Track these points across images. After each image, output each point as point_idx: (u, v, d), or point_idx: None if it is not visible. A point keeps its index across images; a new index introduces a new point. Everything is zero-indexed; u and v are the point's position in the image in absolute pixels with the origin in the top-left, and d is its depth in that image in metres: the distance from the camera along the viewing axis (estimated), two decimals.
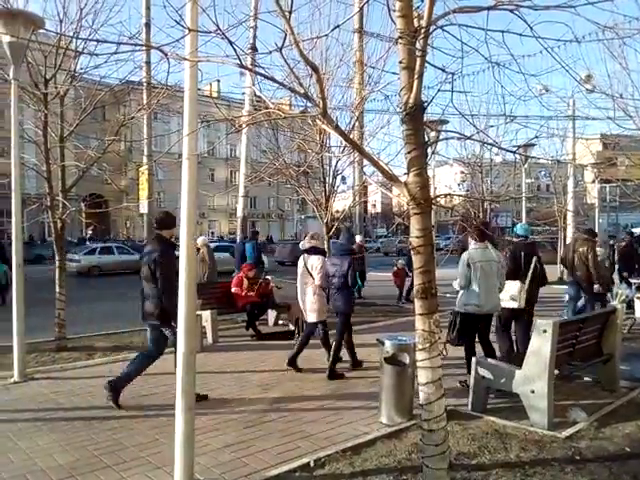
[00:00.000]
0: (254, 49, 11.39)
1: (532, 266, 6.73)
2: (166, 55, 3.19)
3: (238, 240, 15.15)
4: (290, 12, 2.90)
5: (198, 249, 11.94)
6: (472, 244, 6.41)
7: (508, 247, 7.76)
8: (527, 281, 6.66)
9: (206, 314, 8.57)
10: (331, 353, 6.65)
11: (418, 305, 3.29)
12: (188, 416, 3.45)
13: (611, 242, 17.92)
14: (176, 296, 3.52)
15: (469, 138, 4.42)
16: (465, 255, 6.24)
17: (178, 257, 3.59)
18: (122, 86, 9.07)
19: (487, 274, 6.09)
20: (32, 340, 7.67)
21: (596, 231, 9.83)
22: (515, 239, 7.31)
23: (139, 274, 5.65)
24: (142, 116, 11.50)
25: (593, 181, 19.88)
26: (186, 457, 3.44)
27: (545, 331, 4.82)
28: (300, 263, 6.87)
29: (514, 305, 6.58)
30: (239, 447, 4.41)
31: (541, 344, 4.84)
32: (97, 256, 23.54)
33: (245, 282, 9.33)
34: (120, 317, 10.14)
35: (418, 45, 3.12)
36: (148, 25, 15.26)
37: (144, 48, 11.88)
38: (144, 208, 17.16)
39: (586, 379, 6.31)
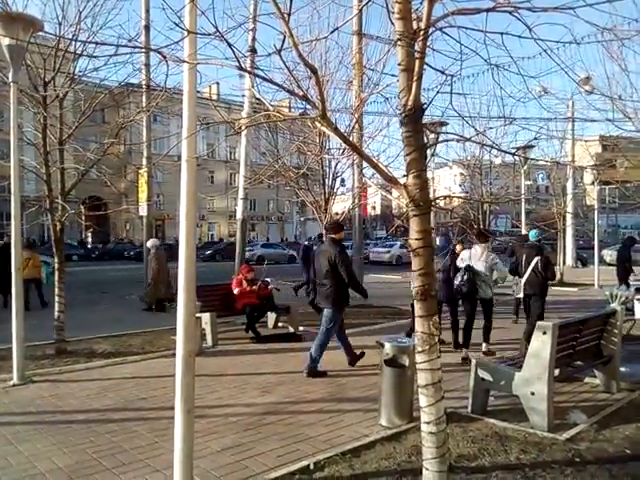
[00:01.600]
0: (253, 51, 11.38)
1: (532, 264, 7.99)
2: (165, 57, 3.19)
3: (306, 243, 16.33)
4: (289, 14, 2.90)
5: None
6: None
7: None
8: (525, 276, 8.10)
9: (205, 316, 8.56)
10: (462, 334, 7.80)
11: (417, 307, 3.28)
12: (187, 419, 3.43)
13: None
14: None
15: (468, 140, 4.42)
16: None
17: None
18: (121, 89, 9.06)
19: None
20: (32, 343, 7.66)
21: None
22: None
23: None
24: (141, 119, 11.52)
25: (592, 183, 19.87)
26: (185, 460, 3.43)
27: (545, 333, 4.82)
28: None
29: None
30: (238, 450, 4.41)
31: (541, 346, 4.83)
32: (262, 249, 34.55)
33: (244, 284, 9.32)
34: None
35: (417, 47, 3.12)
36: (147, 28, 15.26)
37: (143, 50, 11.92)
38: (143, 211, 17.14)
39: (586, 381, 6.30)
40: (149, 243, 13.51)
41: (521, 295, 8.57)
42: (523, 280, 8.17)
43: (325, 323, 6.87)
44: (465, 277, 7.60)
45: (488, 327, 7.98)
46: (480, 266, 7.73)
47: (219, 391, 6.12)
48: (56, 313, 7.88)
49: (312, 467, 3.97)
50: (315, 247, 13.10)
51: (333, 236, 7.05)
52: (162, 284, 12.51)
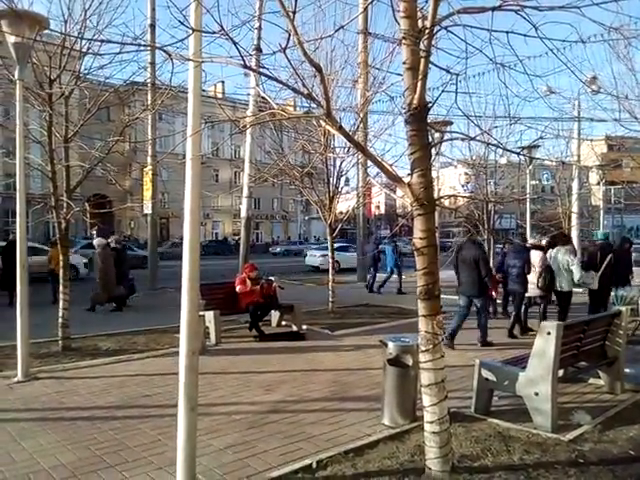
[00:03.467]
0: (258, 50, 11.39)
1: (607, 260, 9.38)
2: (170, 56, 3.20)
3: (376, 243, 17.16)
4: (294, 12, 2.90)
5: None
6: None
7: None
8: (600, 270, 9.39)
9: (209, 315, 8.57)
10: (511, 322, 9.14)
11: (421, 306, 3.28)
12: (190, 417, 3.44)
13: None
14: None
15: (473, 139, 4.41)
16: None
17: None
18: (127, 87, 9.08)
19: None
20: (36, 340, 7.70)
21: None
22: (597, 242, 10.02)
23: None
24: (146, 117, 11.54)
25: (598, 183, 19.80)
26: (188, 458, 3.44)
27: (549, 333, 4.80)
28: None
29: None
30: (241, 448, 4.41)
31: (545, 346, 4.81)
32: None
33: (248, 282, 9.33)
34: None
35: (422, 46, 3.12)
36: (153, 26, 15.31)
37: (148, 49, 11.94)
38: (148, 208, 17.20)
39: (590, 382, 6.27)
40: (95, 242, 13.05)
41: (596, 286, 9.57)
42: (599, 274, 9.46)
43: (481, 309, 8.49)
44: (544, 275, 8.88)
45: (562, 319, 8.66)
46: (562, 265, 9.00)
47: (222, 389, 6.13)
48: (61, 310, 7.90)
49: (315, 466, 3.96)
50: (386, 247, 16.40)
51: (474, 238, 9.29)
52: (110, 283, 12.17)
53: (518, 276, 9.08)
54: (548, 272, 8.92)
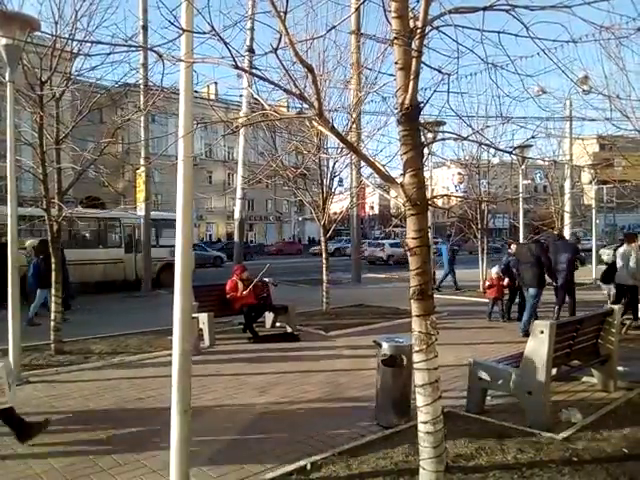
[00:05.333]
0: (251, 50, 11.38)
1: None
2: (161, 56, 3.18)
3: (448, 243, 17.39)
4: (285, 13, 2.89)
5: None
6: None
7: None
8: None
9: (203, 317, 8.54)
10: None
11: (414, 306, 3.27)
12: (184, 419, 3.42)
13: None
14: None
15: (465, 139, 4.41)
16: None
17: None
18: (119, 88, 9.04)
19: None
20: (28, 343, 7.64)
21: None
22: None
23: None
24: (139, 118, 11.49)
25: (590, 182, 19.89)
26: (182, 460, 3.42)
27: (542, 332, 4.81)
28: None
29: None
30: (235, 450, 4.40)
31: (538, 345, 4.83)
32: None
33: (240, 285, 9.28)
34: None
35: (414, 46, 3.11)
36: (145, 27, 15.25)
37: (139, 50, 11.89)
38: (141, 211, 17.13)
39: (584, 380, 6.30)
40: (27, 243, 12.60)
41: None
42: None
43: (532, 298, 9.23)
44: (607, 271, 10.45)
45: (635, 308, 9.86)
46: (628, 262, 9.86)
47: (216, 391, 6.11)
48: (52, 313, 7.86)
49: (309, 467, 3.96)
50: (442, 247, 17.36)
51: (537, 238, 11.18)
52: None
53: (564, 271, 10.02)
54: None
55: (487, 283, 11.89)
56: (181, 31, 3.04)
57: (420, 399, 3.30)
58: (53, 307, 7.85)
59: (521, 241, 14.26)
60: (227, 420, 5.15)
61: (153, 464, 4.10)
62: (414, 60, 3.10)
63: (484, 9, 3.02)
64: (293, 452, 4.33)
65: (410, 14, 3.17)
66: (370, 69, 9.30)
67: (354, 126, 10.21)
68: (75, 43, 7.40)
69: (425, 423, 3.28)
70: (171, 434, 3.43)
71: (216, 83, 38.69)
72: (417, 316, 3.26)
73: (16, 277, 6.59)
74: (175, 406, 3.43)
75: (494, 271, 11.56)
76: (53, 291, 7.88)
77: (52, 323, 7.85)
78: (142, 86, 12.28)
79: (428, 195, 3.41)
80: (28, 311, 10.33)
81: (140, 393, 6.01)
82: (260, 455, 4.29)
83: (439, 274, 16.88)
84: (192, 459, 3.63)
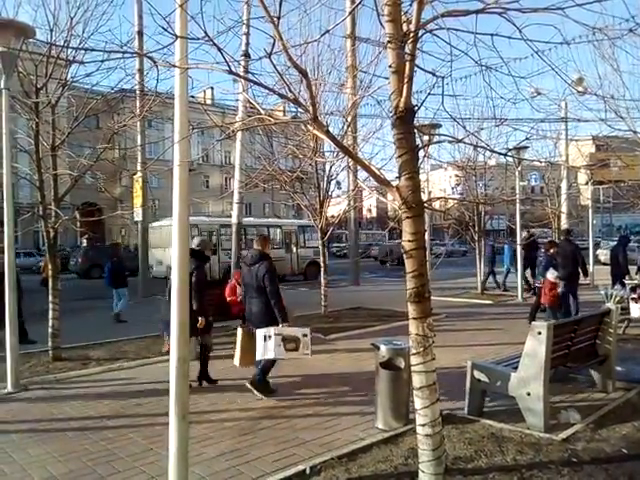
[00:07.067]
0: (247, 56, 11.39)
1: None
2: (155, 62, 3.19)
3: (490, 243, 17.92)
4: (279, 18, 2.90)
5: None
6: None
7: None
8: None
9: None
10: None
11: (411, 309, 3.28)
12: (182, 425, 3.42)
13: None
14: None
15: (460, 141, 4.43)
16: None
17: None
18: (115, 94, 9.05)
19: None
20: (26, 350, 7.62)
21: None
22: None
23: None
24: (135, 124, 11.48)
25: (586, 183, 19.94)
26: (180, 466, 3.41)
27: (540, 333, 4.81)
28: None
29: None
30: (234, 455, 4.38)
31: (536, 346, 4.83)
32: None
33: (238, 289, 9.26)
34: None
35: (407, 49, 3.13)
36: (140, 33, 15.28)
37: (134, 56, 11.89)
38: (138, 216, 17.11)
39: (582, 380, 6.30)
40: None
41: None
42: None
43: (566, 291, 9.76)
44: None
45: None
46: None
47: (214, 396, 6.09)
48: (50, 320, 7.83)
49: (308, 471, 3.95)
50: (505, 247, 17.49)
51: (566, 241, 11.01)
52: None
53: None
54: None
55: (542, 288, 9.92)
56: (175, 37, 3.05)
57: (418, 402, 3.30)
58: (51, 314, 7.82)
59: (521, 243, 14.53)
60: (225, 425, 5.13)
61: (152, 470, 4.09)
62: (408, 64, 3.11)
63: (477, 12, 3.04)
64: (292, 456, 4.33)
65: (403, 18, 3.19)
66: (365, 72, 9.34)
67: (349, 129, 10.23)
68: (70, 50, 7.41)
69: (424, 426, 3.29)
70: (169, 440, 3.42)
71: (212, 88, 38.69)
72: (414, 319, 3.27)
73: (13, 284, 6.58)
74: (173, 412, 3.42)
75: (551, 275, 9.54)
76: (51, 297, 7.85)
77: (50, 330, 7.82)
78: (138, 92, 12.28)
79: (424, 197, 3.42)
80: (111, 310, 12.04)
81: (138, 399, 5.98)
82: (259, 460, 4.28)
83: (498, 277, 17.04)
84: (191, 465, 3.63)
